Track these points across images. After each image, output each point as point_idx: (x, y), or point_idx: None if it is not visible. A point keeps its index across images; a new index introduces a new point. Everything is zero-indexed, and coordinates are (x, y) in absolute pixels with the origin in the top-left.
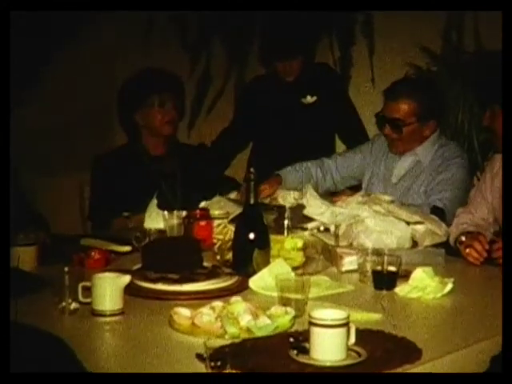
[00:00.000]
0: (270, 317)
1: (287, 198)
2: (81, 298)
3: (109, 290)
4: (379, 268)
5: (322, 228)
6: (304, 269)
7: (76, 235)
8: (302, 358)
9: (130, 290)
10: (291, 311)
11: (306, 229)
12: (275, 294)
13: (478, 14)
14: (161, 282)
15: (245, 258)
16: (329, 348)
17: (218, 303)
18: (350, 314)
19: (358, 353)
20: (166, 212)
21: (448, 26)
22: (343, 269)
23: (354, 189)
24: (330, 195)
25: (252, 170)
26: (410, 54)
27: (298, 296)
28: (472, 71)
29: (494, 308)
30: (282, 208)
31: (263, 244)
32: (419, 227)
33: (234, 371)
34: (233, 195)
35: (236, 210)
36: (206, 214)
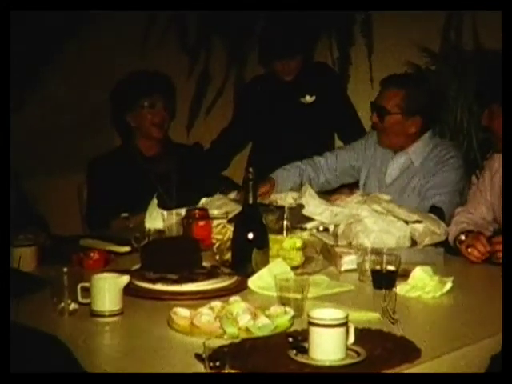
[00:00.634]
0: (269, 317)
1: (286, 199)
2: (80, 299)
3: (108, 290)
4: (378, 267)
5: (321, 228)
6: (303, 268)
7: (75, 236)
8: (301, 358)
9: (129, 291)
10: (290, 311)
11: (305, 229)
12: (274, 294)
13: (476, 13)
14: (160, 283)
15: (244, 258)
16: (328, 347)
17: (217, 303)
18: (349, 313)
19: (357, 352)
20: (164, 211)
21: (447, 25)
22: (342, 268)
23: (351, 187)
24: (328, 194)
25: (251, 169)
26: (408, 54)
27: (297, 296)
28: (471, 70)
29: (494, 307)
30: (281, 208)
31: (262, 244)
32: (418, 226)
33: (233, 371)
34: (232, 195)
35: (235, 210)
36: (204, 214)
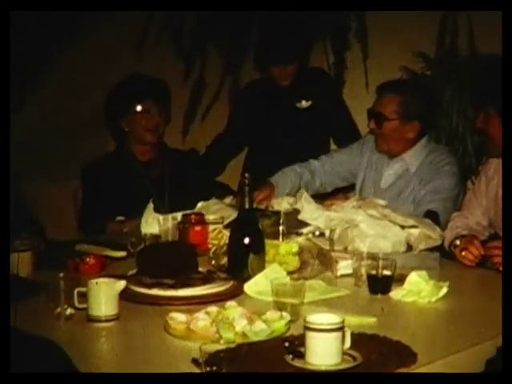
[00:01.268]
0: (265, 321)
1: (282, 204)
2: (76, 304)
3: (104, 295)
4: (374, 272)
5: (317, 233)
6: (299, 273)
7: (71, 241)
8: (298, 363)
9: (125, 296)
10: (286, 316)
11: (300, 234)
12: (270, 299)
13: (471, 18)
14: (156, 287)
15: (240, 263)
16: (324, 352)
17: (213, 308)
18: (345, 318)
19: (353, 357)
20: (160, 216)
21: (442, 29)
22: (338, 273)
23: (345, 191)
24: (323, 199)
25: (247, 175)
26: (404, 58)
27: (294, 300)
28: (466, 74)
29: (489, 311)
30: (276, 213)
31: (258, 249)
32: (414, 231)
33: None
34: (228, 200)
35: (231, 215)
36: (201, 219)
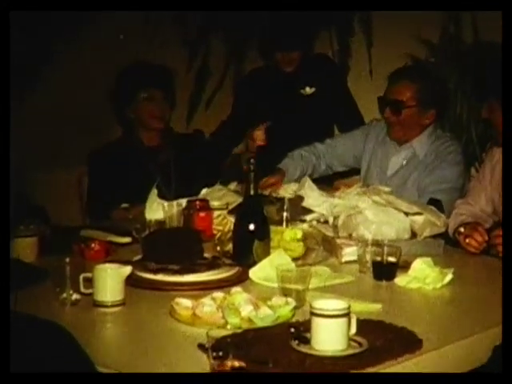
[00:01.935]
0: (270, 307)
1: (287, 190)
2: (82, 289)
3: (110, 281)
4: (379, 259)
5: (321, 219)
6: (304, 260)
7: (76, 226)
8: (303, 348)
9: (130, 281)
10: (292, 302)
11: (304, 220)
12: (275, 285)
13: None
14: (161, 273)
15: (245, 249)
16: (330, 338)
17: (218, 294)
18: (350, 304)
19: (359, 343)
20: (165, 202)
21: (446, 17)
22: (343, 259)
23: (348, 177)
24: (328, 185)
25: (252, 161)
26: (408, 46)
27: (299, 287)
28: (470, 62)
29: (494, 298)
30: (281, 199)
31: (263, 235)
32: (418, 218)
33: (235, 361)
34: (232, 186)
35: (235, 201)
36: (205, 205)
